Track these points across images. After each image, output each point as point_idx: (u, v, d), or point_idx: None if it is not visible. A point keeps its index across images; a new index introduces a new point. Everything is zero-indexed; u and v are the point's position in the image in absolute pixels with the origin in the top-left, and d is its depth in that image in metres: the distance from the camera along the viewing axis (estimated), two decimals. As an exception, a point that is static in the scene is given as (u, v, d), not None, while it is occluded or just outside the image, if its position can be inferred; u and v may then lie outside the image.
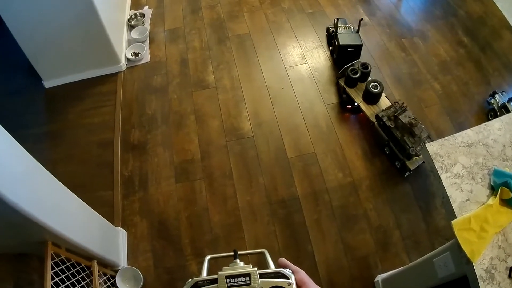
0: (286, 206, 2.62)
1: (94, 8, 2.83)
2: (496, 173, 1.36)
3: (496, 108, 2.87)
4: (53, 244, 1.67)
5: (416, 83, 3.22)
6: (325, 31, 3.62)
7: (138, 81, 3.38)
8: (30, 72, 3.27)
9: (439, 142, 1.48)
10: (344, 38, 3.15)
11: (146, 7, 4.03)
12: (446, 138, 1.49)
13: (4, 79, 3.53)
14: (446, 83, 3.20)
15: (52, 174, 1.72)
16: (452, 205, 1.32)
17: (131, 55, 3.54)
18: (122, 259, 2.40)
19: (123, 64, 3.45)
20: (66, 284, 1.72)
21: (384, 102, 2.86)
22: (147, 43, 3.66)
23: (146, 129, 3.05)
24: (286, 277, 0.66)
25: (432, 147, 1.46)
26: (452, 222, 1.27)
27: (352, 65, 2.96)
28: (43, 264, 1.60)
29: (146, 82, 3.37)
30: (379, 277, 2.26)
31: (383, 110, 2.67)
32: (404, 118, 2.51)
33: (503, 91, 2.93)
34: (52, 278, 1.60)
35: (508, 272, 1.19)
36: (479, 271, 1.19)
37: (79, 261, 1.87)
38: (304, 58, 3.44)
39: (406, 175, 2.68)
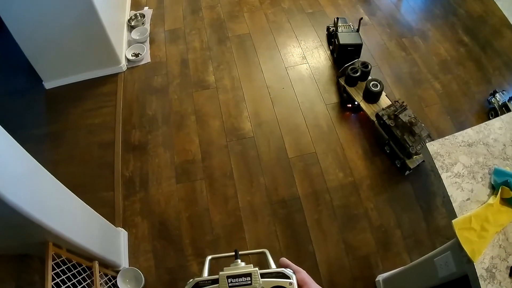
0: (287, 206, 2.62)
1: (94, 8, 2.84)
2: (497, 172, 1.36)
3: (496, 107, 2.86)
4: (54, 245, 1.67)
5: (417, 82, 3.21)
6: (325, 30, 3.62)
7: (138, 82, 3.39)
8: (30, 73, 3.28)
9: (439, 142, 1.48)
10: (344, 37, 3.15)
11: (146, 8, 4.03)
12: (446, 137, 1.49)
13: (5, 80, 3.53)
14: (447, 82, 3.20)
15: (53, 175, 1.72)
16: (453, 205, 1.32)
17: (132, 55, 3.54)
18: (123, 260, 2.40)
19: (124, 64, 3.45)
20: (67, 285, 1.72)
21: (384, 101, 2.86)
22: (147, 44, 3.66)
23: (147, 129, 3.05)
24: (287, 277, 0.66)
25: (432, 146, 1.46)
26: (453, 221, 1.27)
27: (353, 64, 2.96)
28: (44, 264, 1.60)
29: (146, 83, 3.37)
30: (380, 277, 2.26)
31: (383, 109, 2.67)
32: (404, 117, 2.51)
33: (503, 90, 2.93)
34: (53, 279, 1.60)
35: (508, 271, 1.19)
36: (479, 270, 1.19)
37: (80, 261, 1.87)
38: (304, 58, 3.44)
39: (406, 174, 2.68)
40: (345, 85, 3.00)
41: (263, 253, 0.86)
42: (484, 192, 1.35)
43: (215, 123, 3.04)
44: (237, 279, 0.63)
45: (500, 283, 1.17)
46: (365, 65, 2.92)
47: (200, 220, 2.60)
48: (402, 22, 3.73)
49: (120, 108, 3.19)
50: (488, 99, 2.97)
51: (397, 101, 2.66)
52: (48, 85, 3.37)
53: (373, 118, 2.77)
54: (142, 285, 2.32)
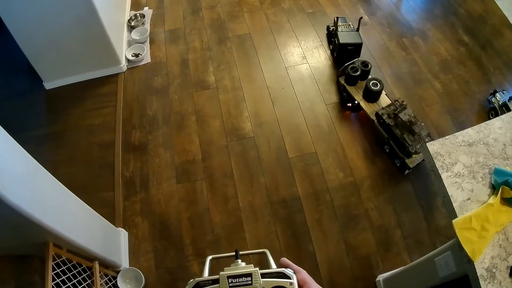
0: (287, 206, 2.62)
1: (94, 9, 2.84)
2: (497, 172, 1.36)
3: (497, 106, 2.86)
4: (55, 245, 1.67)
5: (417, 82, 3.21)
6: (325, 30, 3.62)
7: (138, 82, 3.39)
8: (30, 74, 3.28)
9: (440, 141, 1.48)
10: (344, 36, 3.15)
11: (146, 8, 4.03)
12: (447, 137, 1.49)
13: (5, 80, 3.54)
14: (447, 82, 3.20)
15: (53, 175, 1.72)
16: (453, 204, 1.32)
17: (132, 56, 3.54)
18: (123, 260, 2.40)
19: (124, 65, 3.45)
20: (67, 285, 1.72)
21: (384, 100, 2.86)
22: (147, 44, 3.66)
23: (147, 130, 3.05)
24: (288, 277, 0.66)
25: (433, 146, 1.46)
26: (453, 221, 1.27)
27: (353, 63, 2.96)
28: (44, 265, 1.60)
29: (146, 83, 3.37)
30: (381, 277, 2.26)
31: (383, 108, 2.68)
32: (403, 116, 2.51)
33: (504, 90, 2.93)
34: (54, 279, 1.61)
35: (509, 271, 1.19)
36: (480, 270, 1.19)
37: (80, 262, 1.87)
38: (304, 58, 3.44)
39: (406, 173, 2.68)
40: (345, 84, 3.00)
41: (264, 253, 0.86)
42: (485, 192, 1.35)
43: (216, 123, 3.04)
44: (237, 279, 0.63)
45: (500, 283, 1.17)
46: (365, 64, 2.92)
47: (200, 220, 2.60)
48: (402, 22, 3.73)
49: (120, 109, 3.19)
50: (489, 98, 2.97)
51: (397, 100, 2.66)
52: (48, 85, 3.37)
53: (373, 117, 2.77)
54: (142, 285, 2.32)
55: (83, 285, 1.85)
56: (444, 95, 3.11)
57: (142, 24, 3.81)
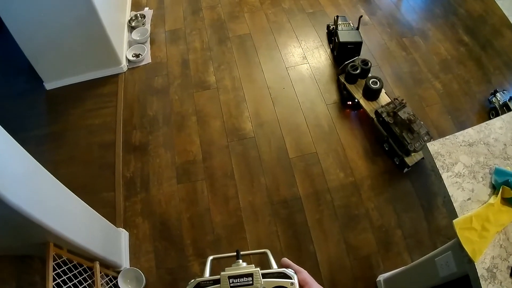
0: (288, 206, 2.62)
1: (94, 9, 2.84)
2: (497, 172, 1.36)
3: (497, 106, 2.86)
4: (55, 246, 1.67)
5: (417, 82, 3.21)
6: (326, 29, 3.62)
7: (139, 82, 3.39)
8: (31, 74, 3.28)
9: (440, 141, 1.48)
10: (344, 35, 3.15)
11: (146, 8, 4.03)
12: (447, 137, 1.49)
13: (5, 81, 3.54)
14: (447, 81, 3.20)
15: (53, 175, 1.72)
16: (454, 204, 1.32)
17: (132, 56, 3.54)
18: (124, 260, 2.40)
19: (124, 65, 3.45)
20: (68, 285, 1.72)
21: (384, 98, 2.87)
22: (147, 44, 3.66)
23: (148, 130, 3.06)
24: (289, 277, 0.67)
25: (433, 146, 1.46)
26: (454, 221, 1.27)
27: (353, 61, 2.96)
28: (45, 265, 1.60)
29: (147, 83, 3.37)
30: (381, 277, 2.26)
31: (382, 106, 2.68)
32: (403, 114, 2.51)
33: (504, 90, 2.93)
34: (54, 279, 1.61)
35: (509, 271, 1.18)
36: (480, 270, 1.19)
37: (81, 262, 1.87)
38: (305, 58, 3.44)
39: (404, 171, 2.68)
40: (345, 82, 3.00)
41: (265, 253, 0.86)
42: (485, 192, 1.35)
43: (216, 124, 3.04)
44: (238, 279, 0.64)
45: (501, 283, 1.17)
46: (365, 62, 2.92)
47: (201, 220, 2.60)
48: (403, 22, 3.73)
49: (120, 109, 3.19)
50: (489, 98, 2.97)
51: (396, 99, 2.66)
52: (48, 85, 3.37)
53: (373, 115, 2.77)
54: (143, 286, 2.32)
55: (83, 285, 1.86)
56: (445, 95, 3.11)
57: (143, 24, 3.81)
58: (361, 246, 2.45)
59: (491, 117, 2.89)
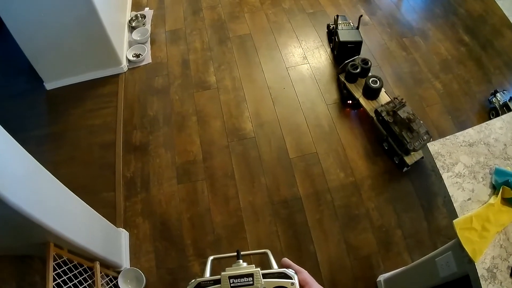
0: (288, 206, 2.62)
1: (95, 9, 2.84)
2: (498, 172, 1.36)
3: (497, 106, 2.86)
4: (55, 246, 1.67)
5: (417, 82, 3.21)
6: (326, 28, 3.63)
7: (139, 83, 3.39)
8: (31, 74, 3.28)
9: (440, 142, 1.48)
10: (344, 34, 3.16)
11: (146, 8, 4.03)
12: (447, 137, 1.49)
13: (5, 81, 3.54)
14: (447, 81, 3.20)
15: (54, 176, 1.72)
16: (454, 205, 1.32)
17: (132, 56, 3.54)
18: (124, 260, 2.40)
19: (124, 65, 3.45)
20: (68, 285, 1.72)
21: (384, 97, 2.87)
22: (148, 44, 3.66)
23: (148, 130, 3.06)
24: (289, 277, 0.67)
25: (433, 146, 1.47)
26: (454, 221, 1.27)
27: (353, 60, 2.96)
28: (45, 265, 1.60)
29: (147, 84, 3.37)
30: (381, 277, 2.26)
31: (382, 105, 2.68)
32: (402, 113, 2.51)
33: (504, 90, 2.93)
34: (54, 280, 1.61)
35: (510, 271, 1.19)
36: (480, 270, 1.19)
37: (81, 262, 1.87)
38: (305, 58, 3.44)
39: (404, 170, 2.68)
40: (345, 81, 3.01)
41: (265, 254, 0.87)
42: (485, 192, 1.35)
43: (216, 124, 3.04)
44: (239, 279, 0.64)
45: (501, 283, 1.17)
46: (365, 61, 2.93)
47: (201, 220, 2.60)
48: (403, 22, 3.73)
49: (121, 109, 3.19)
50: (489, 98, 2.97)
51: (396, 98, 2.66)
52: (49, 86, 3.37)
53: (372, 114, 2.77)
54: (143, 286, 2.32)
55: (84, 285, 1.86)
56: (445, 95, 3.11)
57: (143, 24, 3.81)
58: (362, 246, 2.45)
59: (491, 117, 2.89)
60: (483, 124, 1.52)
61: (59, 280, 1.65)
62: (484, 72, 3.25)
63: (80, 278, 1.84)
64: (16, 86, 3.48)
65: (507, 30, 3.56)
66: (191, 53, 3.56)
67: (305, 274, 0.71)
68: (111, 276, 2.24)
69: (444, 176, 1.39)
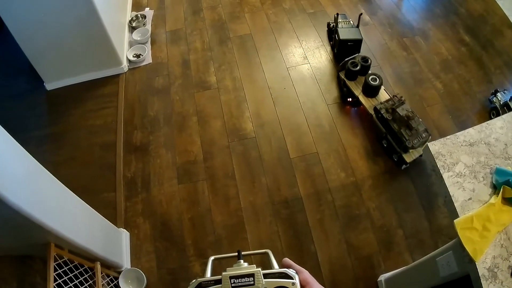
0: (288, 206, 2.62)
1: (95, 9, 2.84)
2: (498, 171, 1.36)
3: (498, 106, 2.86)
4: (56, 246, 1.67)
5: (418, 82, 3.21)
6: (326, 27, 3.63)
7: (140, 83, 3.39)
8: (31, 74, 3.29)
9: (441, 141, 1.48)
10: (344, 32, 3.17)
11: (147, 9, 4.03)
12: (448, 137, 1.49)
13: (5, 81, 3.54)
14: (448, 81, 3.20)
15: (54, 176, 1.72)
16: (455, 204, 1.32)
17: (133, 56, 3.54)
18: (125, 260, 2.40)
19: (125, 65, 3.45)
20: (69, 285, 1.72)
21: (384, 95, 2.87)
22: (148, 45, 3.66)
23: (149, 130, 3.06)
24: (290, 277, 0.67)
25: (434, 146, 1.47)
26: (455, 221, 1.27)
27: (353, 58, 2.97)
28: (46, 266, 1.60)
29: (148, 84, 3.37)
30: (382, 277, 2.26)
31: (381, 103, 2.68)
32: (401, 111, 2.52)
33: (505, 90, 2.92)
34: (55, 280, 1.61)
35: (510, 270, 1.19)
36: (481, 270, 1.19)
37: (82, 262, 1.87)
38: (305, 58, 3.44)
39: (403, 167, 2.68)
40: (345, 79, 3.01)
41: (266, 254, 0.87)
42: (486, 192, 1.35)
43: (217, 124, 3.04)
44: (240, 279, 0.64)
45: (502, 282, 1.17)
46: (365, 59, 2.93)
47: (202, 220, 2.60)
48: (403, 22, 3.73)
49: (121, 109, 3.19)
50: (490, 98, 2.96)
51: (395, 96, 2.66)
52: (49, 86, 3.37)
53: (372, 112, 2.78)
54: (144, 286, 2.32)
55: (84, 285, 1.86)
56: (445, 95, 3.11)
57: (143, 24, 3.81)
58: (362, 246, 2.45)
59: (492, 117, 2.89)
60: (484, 124, 1.52)
61: (60, 281, 1.65)
62: (484, 72, 3.25)
63: (81, 279, 1.84)
64: (17, 86, 3.48)
65: (508, 30, 3.55)
66: (192, 53, 3.56)
67: (306, 274, 0.71)
68: (112, 277, 2.24)
69: (445, 175, 1.39)
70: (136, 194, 2.75)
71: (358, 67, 2.91)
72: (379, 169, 2.74)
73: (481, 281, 1.18)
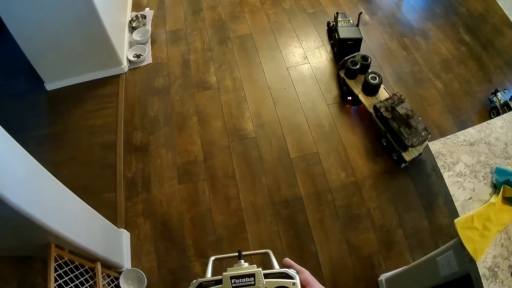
0: (289, 206, 2.62)
1: (95, 9, 2.84)
2: (499, 171, 1.36)
3: (498, 106, 2.86)
4: (56, 246, 1.67)
5: (418, 81, 3.21)
6: (326, 26, 3.64)
7: (140, 83, 3.39)
8: (31, 75, 3.28)
9: (441, 141, 1.48)
10: (344, 31, 3.18)
11: (147, 9, 4.03)
12: (448, 136, 1.49)
13: (5, 81, 3.54)
14: (448, 81, 3.20)
15: (54, 176, 1.72)
16: (455, 204, 1.32)
17: (133, 56, 3.54)
18: (125, 261, 2.40)
19: (125, 66, 3.45)
20: (69, 286, 1.72)
21: (383, 94, 2.88)
22: (148, 45, 3.66)
23: (149, 130, 3.06)
24: (291, 277, 0.67)
25: (434, 146, 1.47)
26: (455, 220, 1.27)
27: (353, 56, 2.97)
28: (46, 266, 1.60)
29: (148, 84, 3.37)
30: (383, 276, 2.26)
31: (380, 101, 2.69)
32: (401, 109, 2.52)
33: (505, 89, 2.92)
34: (56, 280, 1.61)
35: (511, 270, 1.19)
36: (482, 269, 1.19)
37: (82, 263, 1.87)
38: (306, 58, 3.44)
39: (402, 166, 2.68)
40: (345, 77, 3.01)
41: (266, 254, 0.87)
42: (486, 191, 1.35)
43: (217, 124, 3.04)
44: (240, 279, 0.64)
45: (502, 282, 1.17)
46: (365, 58, 2.94)
47: (202, 220, 2.60)
48: (403, 22, 3.73)
49: (121, 109, 3.19)
50: (490, 98, 2.96)
51: (395, 94, 2.67)
52: (49, 86, 3.37)
53: (372, 110, 2.78)
54: (144, 286, 2.32)
55: (85, 286, 1.85)
56: (446, 94, 3.11)
57: (143, 25, 3.81)
58: (363, 245, 2.45)
59: (492, 116, 2.89)
60: (484, 123, 1.52)
61: (60, 281, 1.65)
62: (484, 71, 3.25)
63: (82, 279, 1.84)
64: (17, 86, 3.48)
65: (508, 30, 3.55)
66: (192, 53, 3.56)
67: (307, 274, 0.71)
68: (112, 277, 2.24)
69: (445, 175, 1.39)
70: (136, 194, 2.75)
71: (358, 66, 2.91)
72: (380, 169, 2.74)
73: (482, 280, 1.18)
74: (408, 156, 2.59)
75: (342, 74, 3.05)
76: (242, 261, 0.74)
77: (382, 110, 2.62)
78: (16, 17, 2.73)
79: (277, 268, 0.72)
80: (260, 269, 0.65)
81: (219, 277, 0.65)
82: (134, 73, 3.47)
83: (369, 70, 2.92)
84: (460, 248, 1.28)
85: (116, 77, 3.44)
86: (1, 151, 1.36)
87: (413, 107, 2.63)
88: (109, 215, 2.38)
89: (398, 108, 2.53)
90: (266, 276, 0.65)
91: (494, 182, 1.35)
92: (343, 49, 3.20)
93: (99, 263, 1.99)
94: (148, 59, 3.55)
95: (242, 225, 2.56)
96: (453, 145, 1.46)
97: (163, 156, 2.90)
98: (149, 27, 3.80)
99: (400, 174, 2.70)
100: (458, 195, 1.34)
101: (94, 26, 2.97)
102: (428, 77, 3.23)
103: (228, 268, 0.66)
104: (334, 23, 3.30)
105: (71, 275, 1.75)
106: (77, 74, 3.37)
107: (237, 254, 0.80)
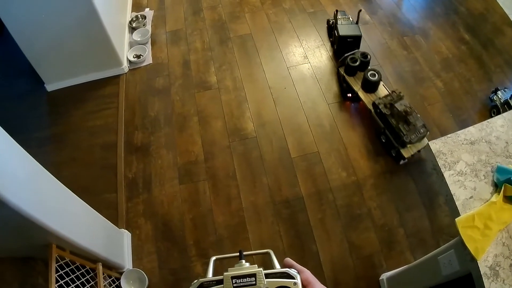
0: (290, 206, 2.62)
1: (95, 10, 2.84)
2: (499, 170, 1.36)
3: (498, 104, 2.86)
4: (58, 247, 1.67)
5: (419, 80, 3.21)
6: (325, 24, 3.65)
7: (140, 83, 3.39)
8: (32, 75, 3.28)
9: (442, 140, 1.48)
10: (344, 29, 3.18)
11: (147, 9, 4.03)
12: (449, 135, 1.49)
13: (6, 82, 3.54)
14: (449, 80, 3.20)
15: (55, 177, 1.72)
16: (456, 203, 1.32)
17: (133, 57, 3.54)
18: (126, 261, 2.40)
19: (125, 66, 3.46)
20: (71, 287, 1.72)
21: (383, 91, 2.88)
22: (148, 45, 3.66)
23: (149, 131, 3.06)
24: (292, 277, 0.66)
25: (435, 145, 1.46)
26: (456, 219, 1.27)
27: (352, 54, 2.98)
28: (48, 267, 1.60)
29: (148, 84, 3.37)
30: (384, 276, 2.26)
31: (379, 98, 2.70)
32: (399, 106, 2.53)
33: (505, 88, 2.92)
34: (57, 281, 1.61)
35: (513, 269, 1.19)
36: (483, 268, 1.19)
37: (83, 263, 1.87)
38: (306, 58, 3.44)
39: (401, 163, 2.69)
40: (344, 74, 3.02)
41: (267, 254, 0.86)
42: (487, 190, 1.35)
43: (218, 124, 3.04)
44: (241, 279, 0.64)
45: (503, 281, 1.17)
46: (364, 55, 2.95)
47: (203, 221, 2.60)
48: (404, 21, 3.72)
49: (122, 110, 3.19)
50: (490, 96, 2.96)
51: (394, 91, 2.67)
52: (50, 87, 3.38)
53: (371, 107, 2.78)
54: (146, 286, 2.32)
55: (86, 286, 1.86)
56: (446, 93, 3.11)
57: (144, 25, 3.81)
58: (364, 245, 2.45)
59: (493, 115, 2.89)
60: (484, 122, 1.52)
61: (61, 282, 1.65)
62: (485, 70, 3.25)
63: (83, 280, 1.84)
64: (17, 87, 3.48)
65: (508, 28, 3.55)
66: (192, 54, 3.56)
67: (308, 274, 0.71)
68: (113, 277, 2.24)
69: (446, 174, 1.39)
70: (137, 194, 2.75)
71: (357, 63, 2.92)
72: (380, 168, 2.74)
73: (483, 279, 1.17)
74: (406, 152, 2.59)
75: (342, 71, 3.06)
76: (243, 261, 0.74)
77: (381, 106, 2.62)
78: (16, 18, 2.73)
79: (278, 268, 0.72)
80: (261, 269, 0.65)
81: (220, 277, 0.65)
82: (135, 73, 3.47)
83: (369, 67, 2.93)
84: (461, 247, 1.28)
85: (117, 77, 3.44)
86: (1, 152, 1.36)
87: (413, 106, 2.64)
88: (110, 215, 2.39)
89: (397, 105, 2.53)
90: (267, 276, 0.65)
91: (495, 181, 1.35)
92: (342, 47, 3.21)
93: (100, 263, 1.99)
94: (148, 59, 3.55)
95: (243, 225, 2.56)
96: (453, 144, 1.46)
97: (164, 157, 2.90)
98: (149, 27, 3.80)
99: (401, 173, 2.70)
100: (459, 194, 1.34)
101: (94, 27, 2.98)
102: (429, 76, 3.23)
103: (229, 268, 0.66)
104: (333, 21, 3.31)
105: (72, 276, 1.76)
106: (77, 74, 3.37)
107: (238, 254, 0.80)
